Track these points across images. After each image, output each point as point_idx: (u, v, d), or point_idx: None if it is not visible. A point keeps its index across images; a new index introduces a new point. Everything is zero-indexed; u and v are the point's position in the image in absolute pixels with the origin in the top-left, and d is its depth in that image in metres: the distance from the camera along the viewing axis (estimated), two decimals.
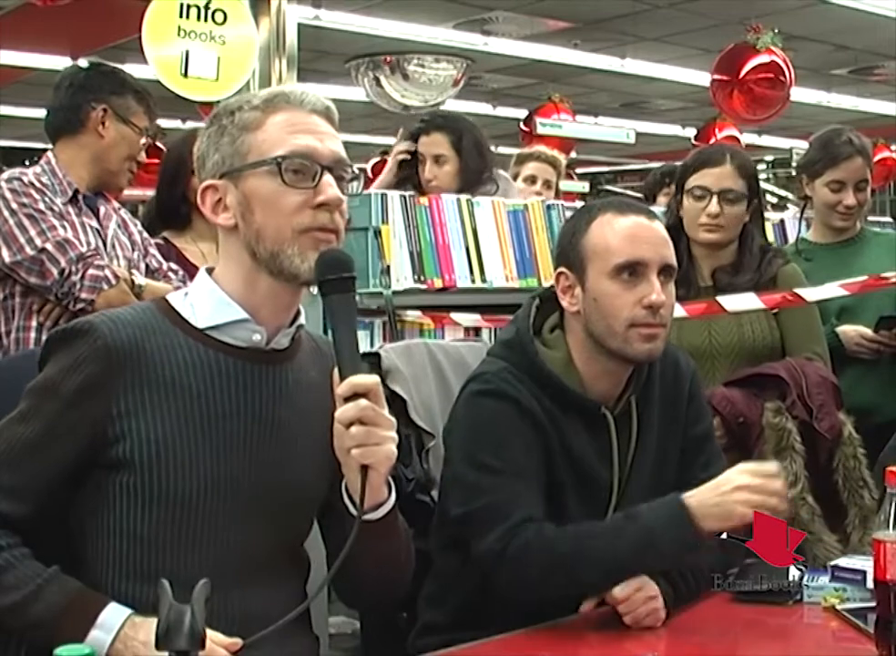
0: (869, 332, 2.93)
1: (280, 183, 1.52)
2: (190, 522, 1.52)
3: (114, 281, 2.62)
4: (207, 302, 1.57)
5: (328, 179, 1.54)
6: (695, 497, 1.78)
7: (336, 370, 1.47)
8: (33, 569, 1.46)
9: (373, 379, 1.47)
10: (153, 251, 2.95)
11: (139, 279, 2.72)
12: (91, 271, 2.60)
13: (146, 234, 2.98)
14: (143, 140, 2.82)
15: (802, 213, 3.42)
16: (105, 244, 2.76)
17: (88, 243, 2.68)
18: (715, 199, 2.66)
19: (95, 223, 2.76)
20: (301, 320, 1.64)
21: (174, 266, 2.98)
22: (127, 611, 1.45)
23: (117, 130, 2.76)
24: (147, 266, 2.89)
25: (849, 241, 3.22)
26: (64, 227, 2.64)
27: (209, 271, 1.62)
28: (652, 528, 1.77)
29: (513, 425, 1.87)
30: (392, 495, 1.56)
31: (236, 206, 1.55)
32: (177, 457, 1.51)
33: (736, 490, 1.76)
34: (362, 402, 1.44)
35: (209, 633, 1.39)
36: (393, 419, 1.49)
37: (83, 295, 2.59)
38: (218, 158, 1.57)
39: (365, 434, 1.44)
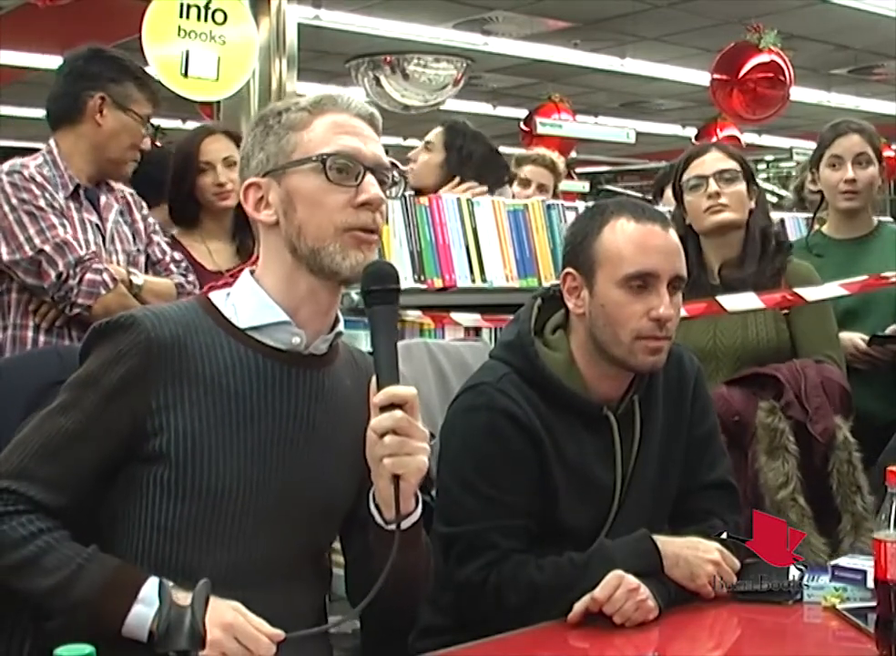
0: (862, 343, 2.91)
1: (323, 181, 1.55)
2: (220, 520, 1.53)
3: (112, 286, 2.57)
4: (249, 302, 1.59)
5: (370, 179, 1.57)
6: (672, 544, 1.84)
7: (374, 379, 1.49)
8: (73, 550, 1.47)
9: (411, 391, 1.48)
10: (157, 238, 2.89)
11: (137, 278, 2.68)
12: (89, 276, 2.55)
13: (151, 219, 2.91)
14: (146, 128, 2.74)
15: (816, 212, 3.38)
16: (104, 239, 2.70)
17: (87, 242, 2.63)
18: (712, 181, 2.70)
19: (95, 218, 2.70)
20: (340, 327, 1.65)
21: (177, 256, 2.93)
22: (168, 585, 1.41)
23: (116, 119, 2.69)
24: (148, 256, 2.83)
25: (863, 238, 3.18)
26: (63, 225, 2.58)
27: (252, 272, 1.63)
28: (615, 558, 1.80)
29: (505, 442, 1.87)
30: (419, 507, 1.57)
31: (278, 203, 1.57)
32: (211, 455, 1.52)
33: (709, 562, 1.82)
34: (398, 413, 1.46)
35: (256, 620, 1.43)
36: (427, 431, 1.50)
37: (80, 300, 2.55)
38: (262, 156, 1.59)
39: (399, 444, 1.46)
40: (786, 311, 2.68)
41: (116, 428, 1.51)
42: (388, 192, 1.62)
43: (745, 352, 2.64)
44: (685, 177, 2.77)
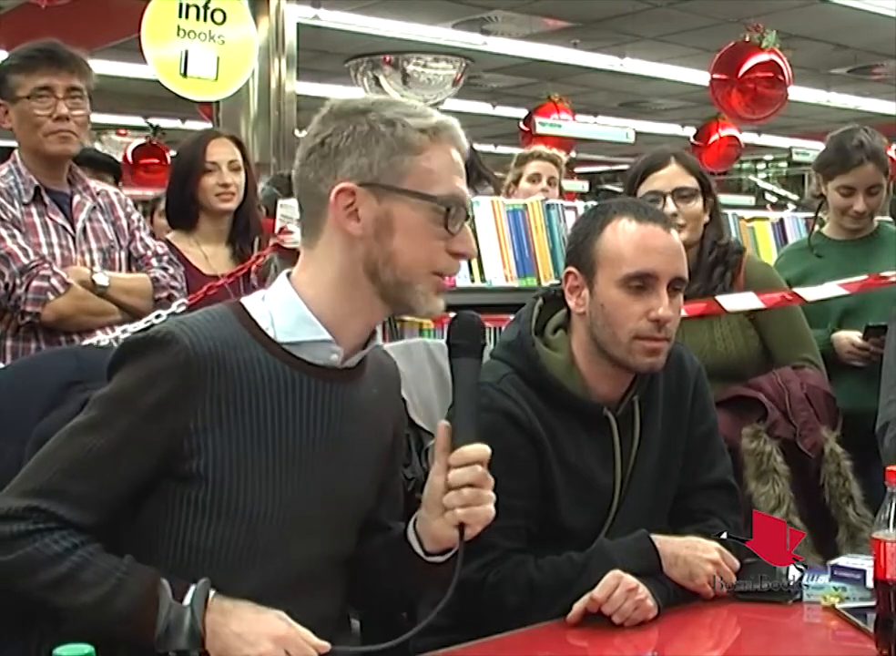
0: (858, 339, 2.89)
1: (436, 222, 1.50)
2: (254, 538, 1.51)
3: (62, 290, 2.59)
4: (287, 314, 1.53)
5: (468, 229, 1.55)
6: (671, 543, 1.84)
7: (442, 425, 1.52)
8: (110, 563, 1.44)
9: (486, 451, 1.51)
10: (141, 234, 2.90)
11: (102, 278, 2.67)
12: (35, 283, 2.57)
13: (136, 216, 2.92)
14: (50, 102, 2.66)
15: (817, 212, 3.36)
16: (74, 239, 2.72)
17: (50, 245, 2.66)
18: (669, 199, 2.60)
19: (62, 219, 2.72)
20: (377, 340, 1.64)
21: (160, 249, 2.92)
22: (210, 593, 1.42)
23: (15, 113, 2.71)
24: (130, 253, 2.85)
25: (863, 239, 3.15)
26: (13, 236, 2.60)
27: (288, 274, 1.57)
28: (614, 558, 1.80)
29: (506, 443, 1.85)
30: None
31: (371, 221, 1.49)
32: (248, 476, 1.49)
33: (708, 562, 1.82)
34: (479, 468, 1.49)
35: (303, 631, 1.43)
36: (492, 478, 1.52)
37: (28, 308, 2.58)
38: (364, 162, 1.49)
39: (475, 495, 1.49)
40: (752, 317, 2.64)
41: (151, 449, 1.47)
42: None
43: (716, 366, 2.55)
44: (641, 190, 2.65)
